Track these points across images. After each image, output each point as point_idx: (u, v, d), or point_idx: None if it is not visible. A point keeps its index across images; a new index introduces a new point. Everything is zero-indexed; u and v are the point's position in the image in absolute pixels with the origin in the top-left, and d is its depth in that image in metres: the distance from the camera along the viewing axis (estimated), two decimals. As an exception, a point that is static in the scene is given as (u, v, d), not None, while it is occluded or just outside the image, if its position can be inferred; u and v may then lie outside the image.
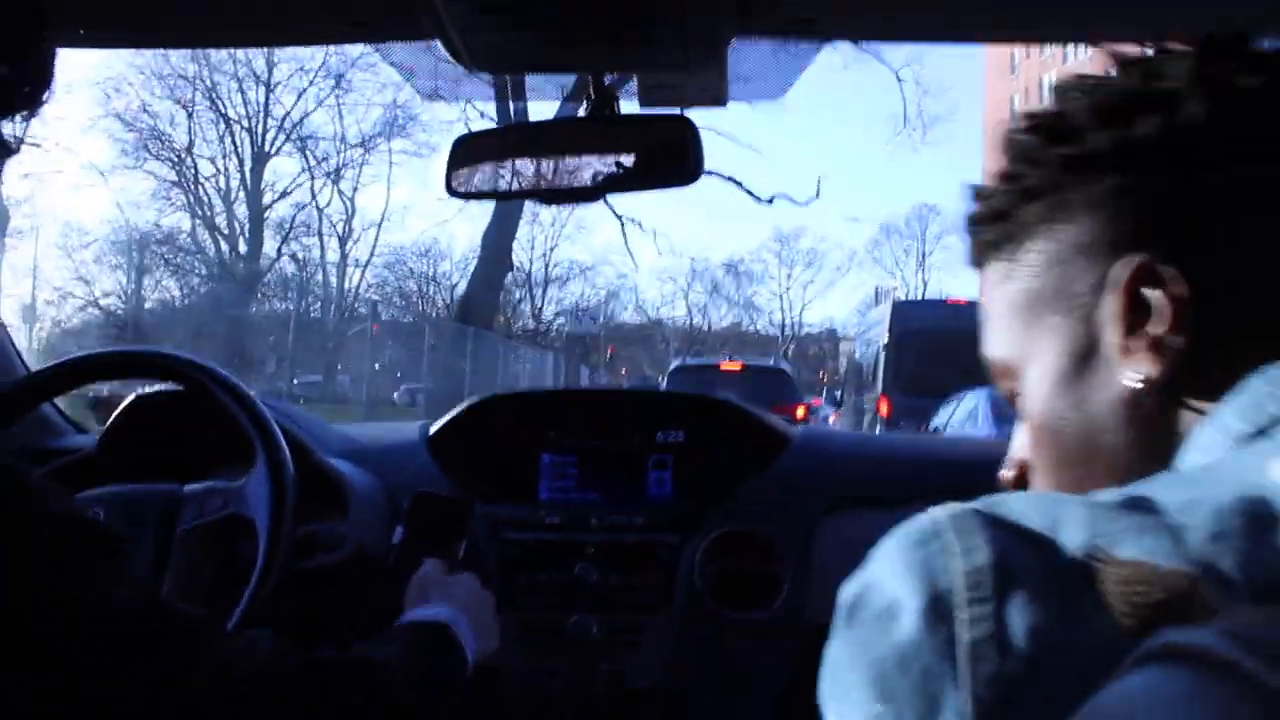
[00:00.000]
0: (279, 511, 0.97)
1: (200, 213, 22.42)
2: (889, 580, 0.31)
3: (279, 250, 23.35)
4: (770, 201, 18.45)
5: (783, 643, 1.10)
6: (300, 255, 24.51)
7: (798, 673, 1.06)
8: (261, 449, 0.99)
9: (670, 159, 0.98)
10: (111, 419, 1.20)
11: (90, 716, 0.54)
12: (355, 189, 27.24)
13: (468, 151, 1.08)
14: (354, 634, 1.15)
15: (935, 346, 9.29)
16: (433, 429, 1.32)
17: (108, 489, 1.03)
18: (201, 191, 22.62)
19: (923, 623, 0.30)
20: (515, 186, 1.06)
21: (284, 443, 1.00)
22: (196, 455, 1.22)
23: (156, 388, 1.20)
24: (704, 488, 1.27)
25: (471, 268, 16.18)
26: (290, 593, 0.98)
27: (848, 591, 0.33)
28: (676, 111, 0.99)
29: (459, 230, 45.03)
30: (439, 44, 0.90)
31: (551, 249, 29.19)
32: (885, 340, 9.66)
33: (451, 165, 1.09)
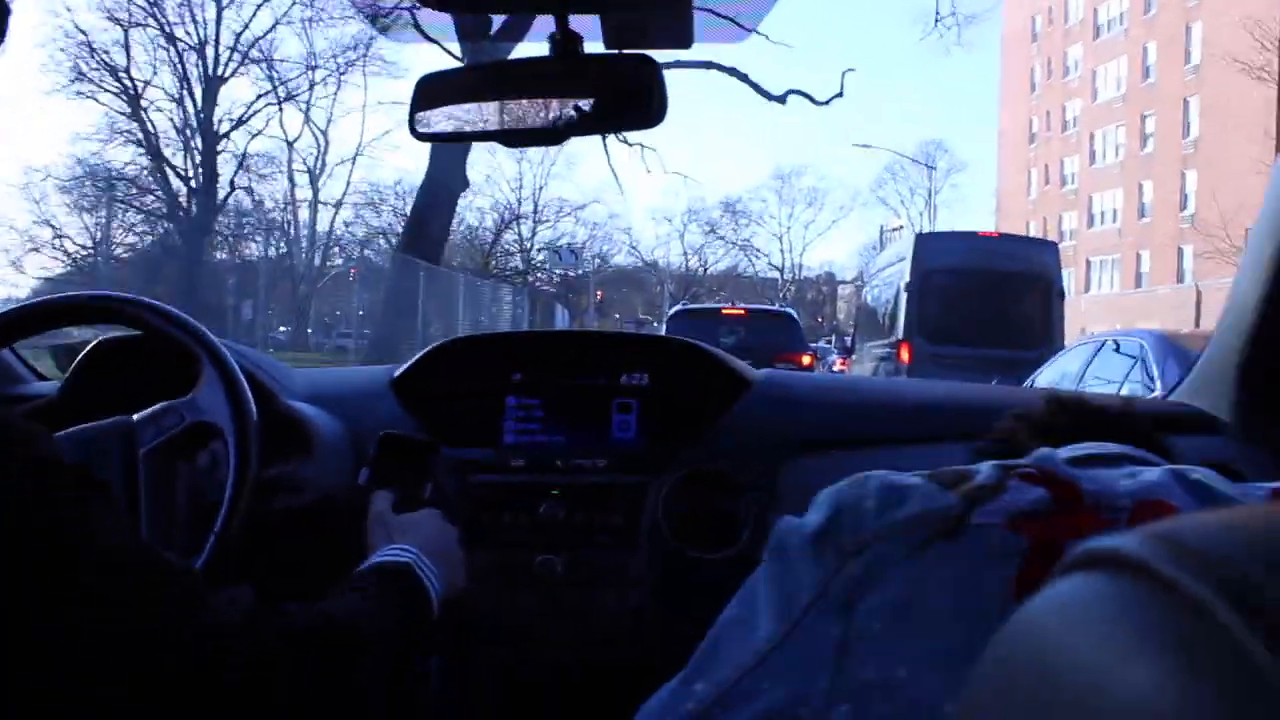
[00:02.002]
0: (243, 466, 1.01)
1: (148, 145, 21.61)
2: None
3: (232, 182, 22.37)
4: (783, 100, 16.49)
5: (745, 581, 1.18)
6: (260, 193, 23.69)
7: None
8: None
9: (633, 101, 1.02)
10: (73, 365, 1.25)
11: (76, 665, 0.57)
12: (329, 120, 26.49)
13: (431, 92, 1.12)
14: (320, 577, 1.22)
15: (964, 286, 8.87)
16: (397, 373, 1.37)
17: (63, 432, 1.09)
18: (148, 121, 21.79)
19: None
20: (479, 127, 1.10)
21: (249, 395, 1.04)
22: (158, 397, 1.29)
23: (116, 333, 1.25)
24: (667, 429, 1.34)
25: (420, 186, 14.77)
26: (255, 536, 1.03)
27: None
28: (640, 53, 1.03)
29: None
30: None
31: (540, 187, 28.89)
32: (906, 280, 9.08)
33: (415, 106, 1.13)
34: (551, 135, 1.07)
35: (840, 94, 17.99)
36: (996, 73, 38.84)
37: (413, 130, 1.12)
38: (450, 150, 12.70)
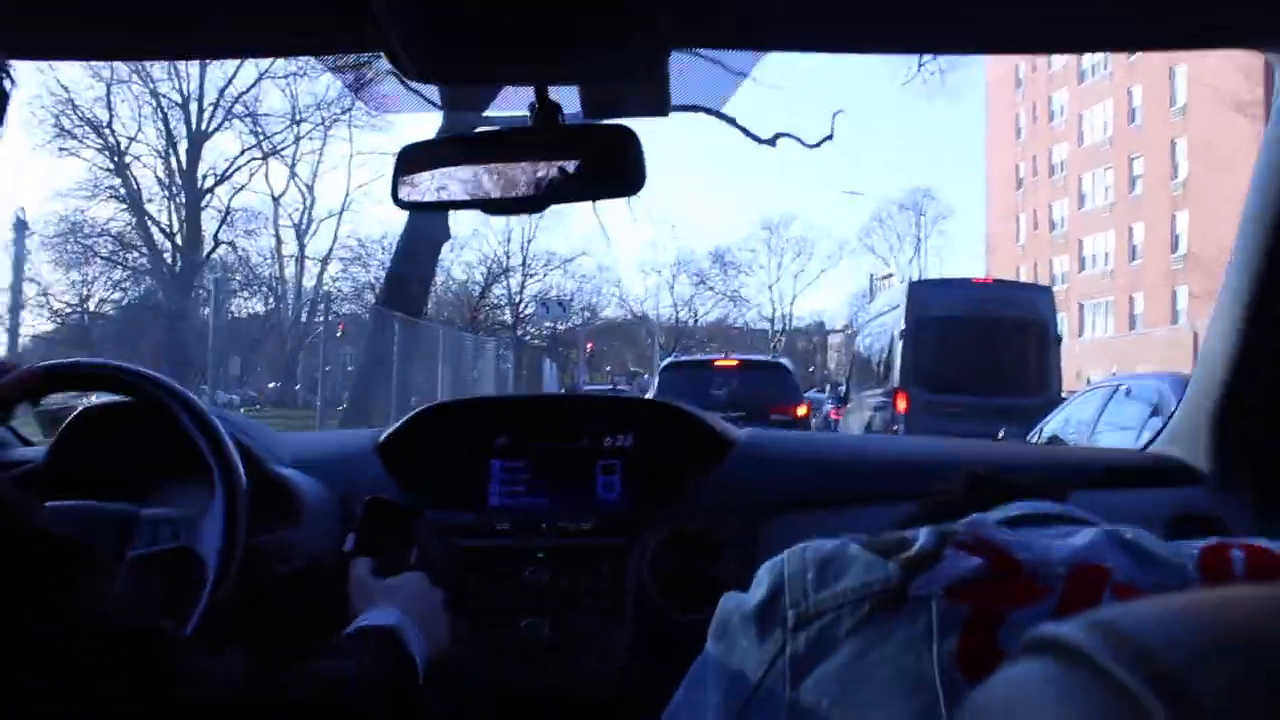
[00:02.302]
0: (231, 533, 1.02)
1: (132, 200, 21.64)
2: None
3: (215, 238, 22.44)
4: (773, 142, 16.32)
5: (691, 665, 1.19)
6: (245, 249, 23.76)
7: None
8: (219, 474, 1.03)
9: (613, 169, 1.06)
10: (59, 431, 1.27)
11: None
12: (315, 176, 26.65)
13: (413, 161, 1.16)
14: (308, 642, 1.23)
15: (960, 333, 8.88)
16: (382, 436, 1.39)
17: (61, 504, 1.10)
18: (132, 178, 21.88)
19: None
20: (461, 196, 1.14)
21: (239, 464, 1.05)
22: (146, 468, 1.30)
23: (104, 399, 1.27)
24: (651, 490, 1.35)
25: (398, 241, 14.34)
26: (243, 603, 1.04)
27: None
28: (619, 122, 1.08)
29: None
30: (383, 56, 0.98)
31: (529, 240, 29.12)
32: (900, 328, 9.13)
33: (397, 174, 1.17)
34: (532, 203, 1.10)
35: (830, 137, 17.97)
36: (981, 118, 39.64)
37: (395, 199, 1.15)
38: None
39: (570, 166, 1.07)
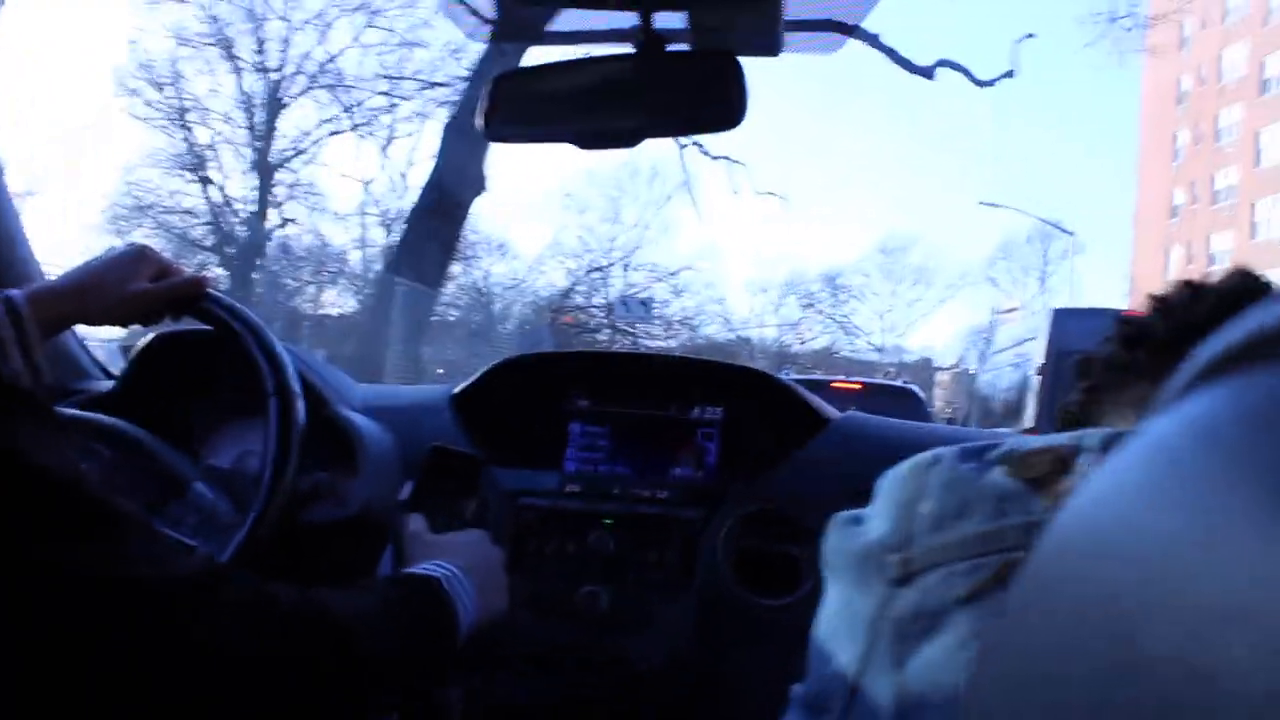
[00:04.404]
0: (280, 467, 1.03)
1: (202, 173, 20.82)
2: None
3: (281, 216, 21.26)
4: (931, 74, 12.38)
5: (804, 631, 1.16)
6: (324, 233, 22.97)
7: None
8: (274, 404, 1.04)
9: (712, 99, 1.05)
10: (131, 355, 1.32)
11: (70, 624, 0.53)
12: (410, 164, 26.62)
13: (505, 92, 1.17)
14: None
15: None
16: (456, 389, 1.40)
17: (124, 427, 1.16)
18: (206, 147, 20.78)
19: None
20: (554, 127, 1.16)
21: (298, 397, 1.06)
22: (214, 400, 1.36)
23: (174, 328, 1.34)
24: (737, 464, 1.32)
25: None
26: (289, 544, 1.05)
27: None
28: (719, 49, 1.07)
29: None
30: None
31: (633, 250, 29.31)
32: (1039, 361, 8.69)
33: (489, 108, 1.19)
34: (628, 136, 1.11)
35: (1011, 73, 13.71)
36: (1133, 141, 38.08)
37: (486, 131, 1.18)
38: (468, 145, 10.68)
39: (669, 97, 1.08)
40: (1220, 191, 33.27)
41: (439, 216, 11.16)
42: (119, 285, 0.96)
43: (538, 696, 1.28)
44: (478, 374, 1.42)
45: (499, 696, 1.28)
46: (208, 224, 21.67)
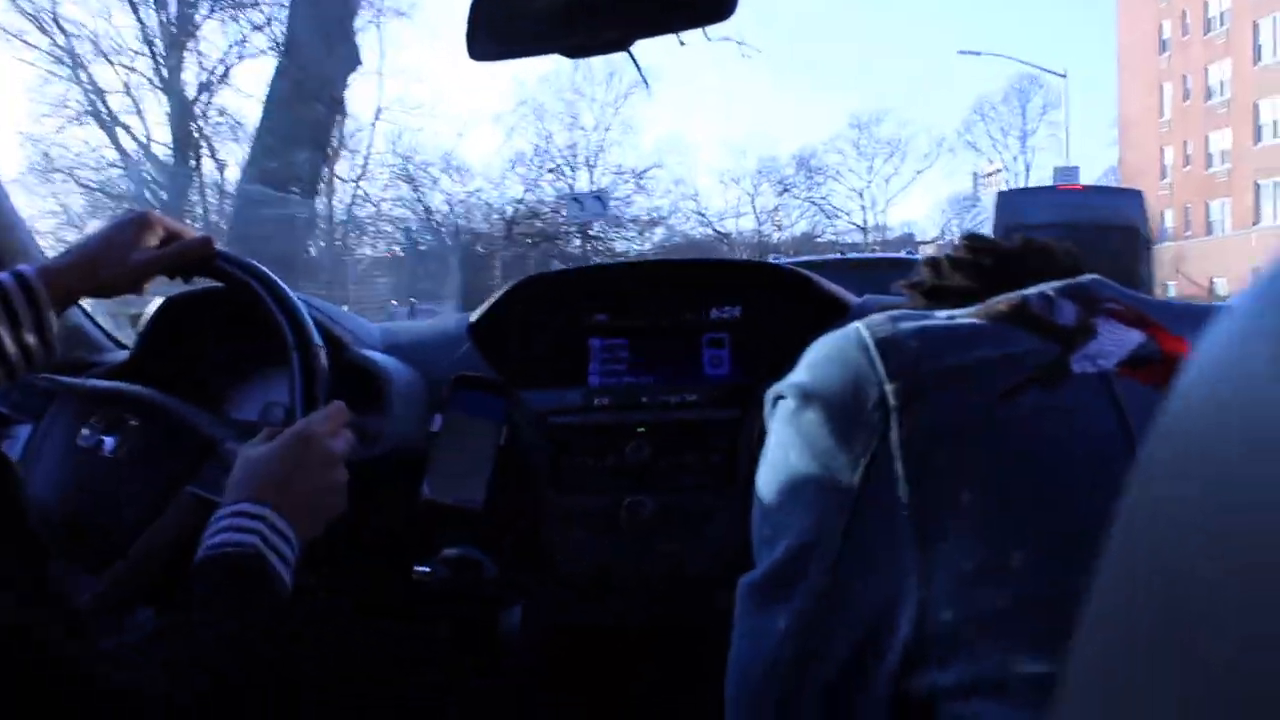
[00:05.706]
0: (310, 409, 1.03)
1: (107, 117, 19.26)
2: None
3: (196, 155, 20.03)
4: None
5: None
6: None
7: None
8: (296, 355, 1.05)
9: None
10: (143, 321, 1.34)
11: None
12: (345, 86, 25.25)
13: (486, 10, 1.20)
14: (393, 526, 1.30)
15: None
16: (473, 317, 1.42)
17: (149, 394, 1.20)
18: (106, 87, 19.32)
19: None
20: (540, 39, 1.17)
21: (319, 344, 1.07)
22: (227, 349, 1.40)
23: (184, 288, 1.37)
24: (762, 360, 1.36)
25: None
26: None
27: None
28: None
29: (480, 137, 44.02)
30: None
31: (597, 151, 28.74)
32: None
33: (470, 27, 1.21)
34: (617, 39, 1.13)
35: None
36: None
37: (469, 49, 1.19)
38: (325, 7, 8.89)
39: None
40: (1213, 19, 32.55)
41: (297, 106, 9.30)
42: (128, 253, 0.98)
43: (593, 617, 1.33)
44: (491, 300, 1.45)
45: (555, 617, 1.34)
46: (124, 171, 20.33)
